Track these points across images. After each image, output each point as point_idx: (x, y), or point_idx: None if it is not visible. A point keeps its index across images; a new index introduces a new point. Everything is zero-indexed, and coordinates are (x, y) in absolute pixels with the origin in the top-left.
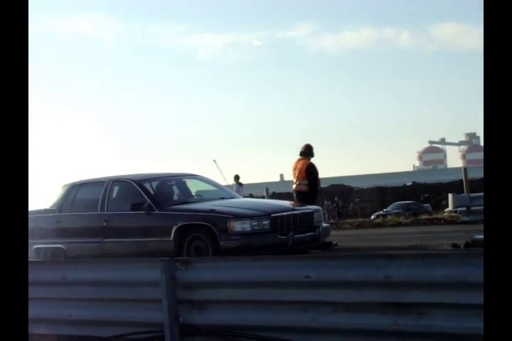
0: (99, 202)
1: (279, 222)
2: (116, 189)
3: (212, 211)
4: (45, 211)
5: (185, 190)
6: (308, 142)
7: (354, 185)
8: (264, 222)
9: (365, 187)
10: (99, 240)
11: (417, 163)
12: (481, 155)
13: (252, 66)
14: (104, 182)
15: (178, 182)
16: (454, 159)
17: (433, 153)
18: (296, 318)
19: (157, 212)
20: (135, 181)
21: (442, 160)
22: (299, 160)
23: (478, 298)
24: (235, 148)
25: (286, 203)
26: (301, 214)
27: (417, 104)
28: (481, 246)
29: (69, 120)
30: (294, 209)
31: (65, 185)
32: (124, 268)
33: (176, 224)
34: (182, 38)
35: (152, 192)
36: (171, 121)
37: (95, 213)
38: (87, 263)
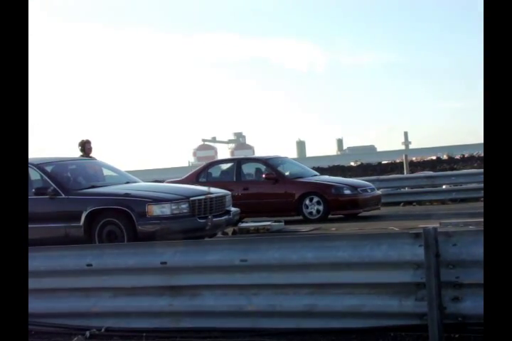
0: None
1: (197, 206)
2: None
3: (127, 195)
4: None
5: (89, 174)
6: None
7: None
8: (183, 206)
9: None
10: None
11: (192, 159)
12: (246, 152)
13: None
14: None
15: (79, 166)
16: (224, 155)
17: (206, 150)
18: (78, 304)
19: (64, 196)
20: (35, 164)
21: (213, 157)
22: None
23: (245, 279)
24: None
25: (200, 187)
26: (216, 197)
27: (190, 106)
28: (246, 233)
29: None
30: (209, 193)
31: None
32: None
33: (86, 209)
34: None
35: (55, 176)
36: None
37: None
38: None
